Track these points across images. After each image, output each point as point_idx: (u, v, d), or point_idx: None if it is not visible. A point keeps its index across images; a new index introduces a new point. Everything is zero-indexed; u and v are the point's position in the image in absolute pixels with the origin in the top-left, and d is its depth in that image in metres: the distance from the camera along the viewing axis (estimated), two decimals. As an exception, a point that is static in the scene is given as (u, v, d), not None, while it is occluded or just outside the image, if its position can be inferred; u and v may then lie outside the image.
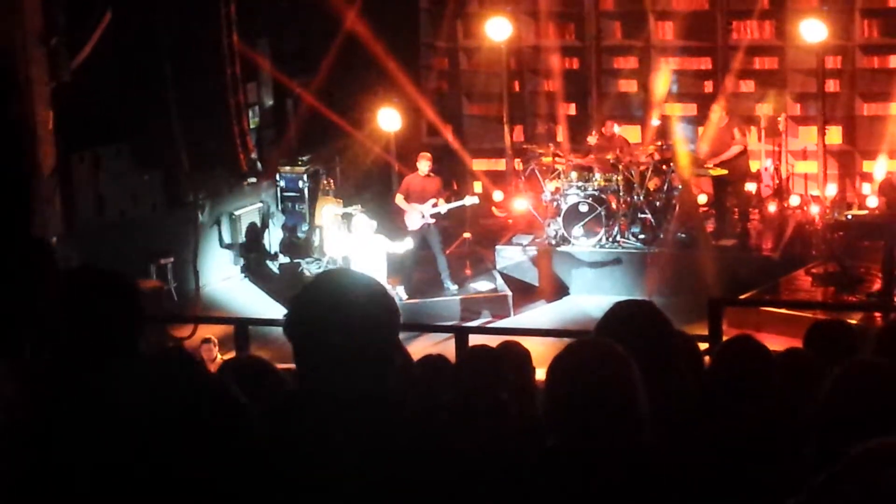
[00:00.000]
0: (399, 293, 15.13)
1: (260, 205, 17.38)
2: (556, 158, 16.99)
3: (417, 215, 15.59)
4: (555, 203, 16.59)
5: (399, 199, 15.80)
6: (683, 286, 14.91)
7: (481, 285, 16.15)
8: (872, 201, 16.12)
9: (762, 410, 4.36)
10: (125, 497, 3.24)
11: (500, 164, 19.04)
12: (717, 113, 16.52)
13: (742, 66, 17.91)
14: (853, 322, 9.98)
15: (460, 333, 9.24)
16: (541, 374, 3.45)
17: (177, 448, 3.26)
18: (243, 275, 16.97)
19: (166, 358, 4.68)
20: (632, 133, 18.10)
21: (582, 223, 16.08)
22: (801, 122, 17.98)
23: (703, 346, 6.66)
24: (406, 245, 15.20)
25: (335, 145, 18.19)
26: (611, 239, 16.20)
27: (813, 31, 16.65)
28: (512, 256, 16.73)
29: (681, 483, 3.21)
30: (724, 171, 16.13)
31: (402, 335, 3.23)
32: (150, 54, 14.55)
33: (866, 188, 17.21)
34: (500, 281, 16.21)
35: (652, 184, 16.43)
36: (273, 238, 17.50)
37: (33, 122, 12.80)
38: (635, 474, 3.12)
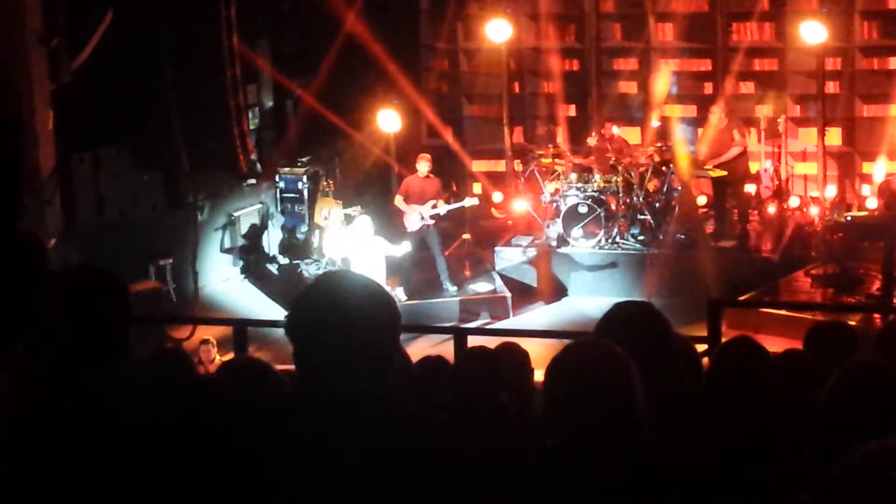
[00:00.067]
0: (398, 294, 15.13)
1: (259, 206, 17.38)
2: (556, 160, 17.00)
3: (417, 216, 15.60)
4: (554, 204, 16.60)
5: (398, 201, 15.80)
6: (683, 287, 14.90)
7: (480, 286, 16.15)
8: (872, 203, 16.12)
9: (761, 411, 4.36)
10: (124, 498, 3.25)
11: (499, 166, 19.04)
12: (716, 114, 16.51)
13: (742, 67, 17.92)
14: (852, 323, 9.98)
15: (459, 335, 9.23)
16: (539, 376, 3.45)
17: (173, 449, 3.26)
18: (242, 276, 16.97)
19: (163, 358, 4.69)
20: (631, 134, 18.10)
21: (581, 224, 16.08)
22: (800, 124, 17.99)
23: (703, 347, 6.66)
24: (404, 248, 15.20)
25: (335, 146, 18.18)
26: (610, 240, 16.20)
27: (813, 32, 16.65)
28: (511, 258, 16.73)
29: (680, 483, 3.21)
30: (724, 173, 16.14)
31: (400, 336, 3.22)
32: (150, 55, 14.55)
33: (866, 189, 17.20)
34: (499, 282, 16.21)
35: (651, 185, 16.44)
36: (272, 239, 17.50)
37: (33, 123, 12.81)
38: (635, 474, 3.12)
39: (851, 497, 2.37)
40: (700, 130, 17.61)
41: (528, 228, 17.31)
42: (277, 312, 14.29)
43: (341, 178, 18.26)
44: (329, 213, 16.97)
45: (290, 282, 16.36)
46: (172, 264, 15.39)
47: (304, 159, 17.64)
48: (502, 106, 18.54)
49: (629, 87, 18.88)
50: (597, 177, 16.30)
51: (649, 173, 16.34)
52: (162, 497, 3.27)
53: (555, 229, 16.44)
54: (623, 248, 16.21)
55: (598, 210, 16.00)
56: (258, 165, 16.62)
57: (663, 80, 17.92)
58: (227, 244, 16.85)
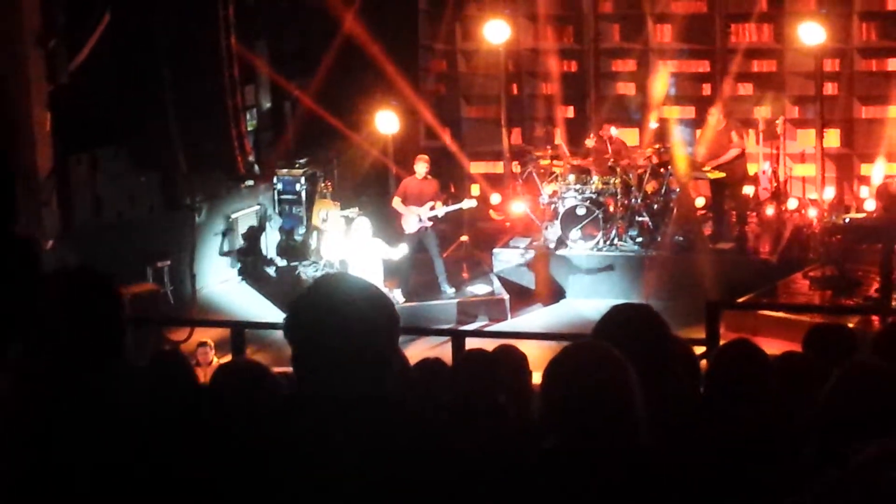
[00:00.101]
0: (396, 296, 15.12)
1: (257, 207, 17.37)
2: (554, 161, 17.00)
3: (415, 218, 15.59)
4: (552, 206, 16.59)
5: (396, 202, 15.78)
6: (681, 289, 14.88)
7: (478, 288, 16.13)
8: (870, 205, 16.12)
9: (759, 414, 4.36)
10: (123, 498, 3.24)
11: (497, 167, 19.04)
12: (714, 116, 16.51)
13: (740, 68, 17.93)
14: (850, 325, 9.97)
15: (457, 337, 9.22)
16: (537, 378, 3.44)
17: (173, 449, 3.26)
18: (240, 277, 16.95)
19: (161, 360, 4.69)
20: (630, 136, 18.11)
21: (579, 226, 16.08)
22: (799, 125, 18.00)
23: (701, 349, 6.66)
24: (401, 251, 15.19)
25: (333, 148, 18.17)
26: (608, 242, 16.19)
27: (811, 34, 16.66)
28: (509, 259, 16.72)
29: (679, 484, 3.21)
30: (722, 174, 16.13)
31: (399, 338, 3.23)
32: (147, 56, 14.53)
33: (864, 191, 17.21)
34: (497, 284, 16.19)
35: (650, 187, 16.43)
36: (270, 241, 17.49)
37: (31, 124, 12.81)
38: (634, 476, 3.12)
39: (851, 497, 2.37)
40: (698, 132, 17.60)
41: (526, 230, 17.30)
42: (275, 314, 14.29)
43: (339, 179, 18.25)
44: (327, 214, 16.96)
45: (288, 284, 16.35)
46: (170, 266, 15.37)
47: (301, 161, 17.64)
48: (500, 107, 18.53)
49: (627, 89, 18.88)
50: (595, 178, 16.29)
51: (647, 175, 16.33)
52: (162, 497, 3.27)
53: (553, 231, 16.43)
54: (621, 250, 16.20)
55: (597, 212, 16.00)
56: (256, 167, 16.60)
57: (662, 82, 17.93)
58: (225, 246, 16.84)
